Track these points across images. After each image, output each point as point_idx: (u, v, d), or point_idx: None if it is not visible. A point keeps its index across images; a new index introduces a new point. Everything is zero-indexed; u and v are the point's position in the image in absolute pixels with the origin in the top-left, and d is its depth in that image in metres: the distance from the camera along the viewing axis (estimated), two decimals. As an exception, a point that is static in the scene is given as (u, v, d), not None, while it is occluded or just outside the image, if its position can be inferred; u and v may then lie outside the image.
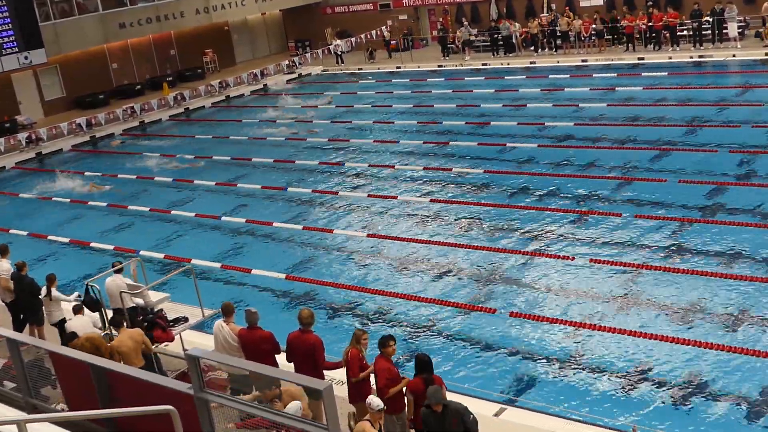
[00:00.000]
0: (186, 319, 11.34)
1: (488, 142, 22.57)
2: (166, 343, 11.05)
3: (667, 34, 30.01)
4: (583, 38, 31.96)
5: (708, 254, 13.89)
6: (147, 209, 20.90)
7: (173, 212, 20.36)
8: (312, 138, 26.41)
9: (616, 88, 26.45)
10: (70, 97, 35.84)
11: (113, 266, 12.04)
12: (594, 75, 28.85)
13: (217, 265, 16.43)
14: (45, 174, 26.80)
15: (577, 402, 10.25)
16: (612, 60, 30.26)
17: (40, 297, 12.56)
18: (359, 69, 37.25)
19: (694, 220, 15.35)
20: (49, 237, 19.40)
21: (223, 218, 19.35)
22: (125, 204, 21.49)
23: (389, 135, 25.27)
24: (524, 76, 30.71)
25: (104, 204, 21.83)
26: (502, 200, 17.97)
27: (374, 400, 7.96)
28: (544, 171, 19.46)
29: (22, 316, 12.93)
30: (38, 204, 23.04)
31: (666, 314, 12.15)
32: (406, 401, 8.68)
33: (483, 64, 33.54)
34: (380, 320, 13.21)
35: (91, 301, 11.61)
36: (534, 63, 32.20)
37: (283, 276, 15.46)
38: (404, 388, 8.68)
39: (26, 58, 30.82)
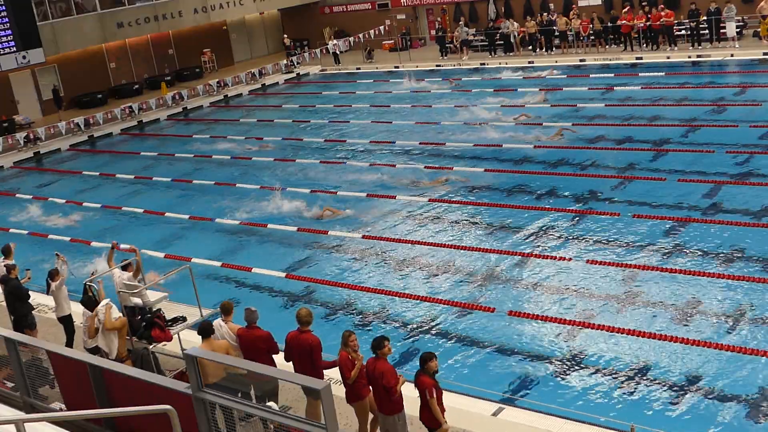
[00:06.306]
0: (184, 319, 11.33)
1: (486, 142, 22.57)
2: (164, 343, 11.04)
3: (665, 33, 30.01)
4: (581, 38, 31.96)
5: (706, 254, 13.90)
6: (140, 211, 20.86)
7: (168, 214, 20.31)
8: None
9: (614, 88, 26.45)
10: (68, 97, 35.80)
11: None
12: (592, 75, 28.85)
13: (217, 263, 16.42)
14: (45, 173, 26.72)
15: (575, 401, 10.25)
16: (610, 60, 30.26)
17: (28, 301, 12.60)
18: (357, 69, 37.25)
19: (693, 220, 15.36)
20: (50, 236, 19.38)
21: (217, 220, 19.33)
22: (121, 204, 21.48)
23: (387, 135, 25.24)
24: (522, 76, 30.70)
25: (99, 205, 21.80)
26: (500, 200, 17.97)
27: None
28: (541, 170, 19.47)
29: (12, 318, 12.84)
30: (36, 203, 22.98)
31: (664, 314, 12.16)
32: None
33: (481, 64, 33.54)
34: (379, 319, 13.20)
35: (90, 301, 11.58)
36: (532, 63, 32.18)
37: (283, 275, 15.45)
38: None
39: (24, 57, 30.78)
